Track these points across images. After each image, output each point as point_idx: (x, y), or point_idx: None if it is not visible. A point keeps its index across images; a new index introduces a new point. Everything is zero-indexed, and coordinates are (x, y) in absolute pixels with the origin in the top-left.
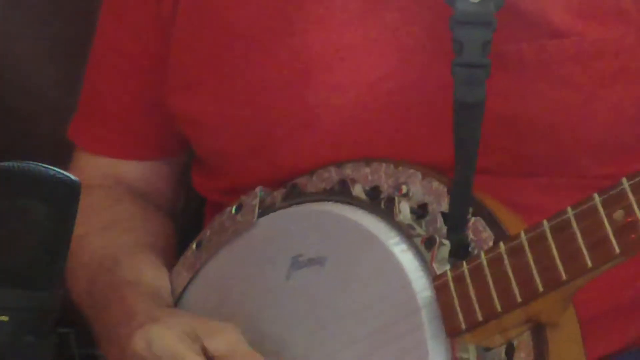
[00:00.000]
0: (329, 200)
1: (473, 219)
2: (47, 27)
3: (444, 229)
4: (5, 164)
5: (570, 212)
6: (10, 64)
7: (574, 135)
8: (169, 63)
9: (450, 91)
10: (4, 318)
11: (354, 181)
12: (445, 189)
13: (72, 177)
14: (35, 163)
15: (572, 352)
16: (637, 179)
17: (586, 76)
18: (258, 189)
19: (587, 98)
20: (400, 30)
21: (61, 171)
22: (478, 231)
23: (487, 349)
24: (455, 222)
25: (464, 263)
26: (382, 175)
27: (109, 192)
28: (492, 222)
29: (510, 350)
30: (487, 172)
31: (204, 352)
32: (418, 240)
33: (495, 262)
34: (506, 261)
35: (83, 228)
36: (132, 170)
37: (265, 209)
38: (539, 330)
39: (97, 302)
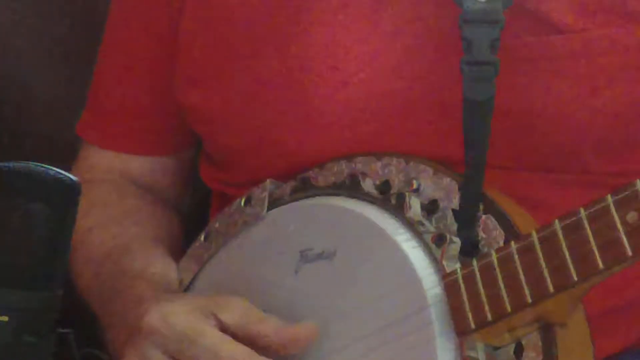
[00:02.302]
0: (338, 195)
1: (484, 216)
2: (47, 26)
3: (454, 226)
4: (5, 164)
5: (582, 212)
6: (10, 64)
7: (579, 130)
8: (177, 59)
9: (456, 88)
10: (4, 318)
11: (364, 175)
12: (457, 186)
13: (72, 177)
14: (35, 163)
15: (581, 352)
16: None
17: (592, 71)
18: (267, 182)
19: (593, 93)
20: (406, 27)
21: (61, 171)
22: (488, 229)
23: (496, 348)
24: (465, 219)
25: (474, 261)
26: (393, 170)
27: (117, 186)
28: (503, 220)
29: (519, 349)
30: (494, 166)
31: (219, 326)
32: (428, 237)
33: (506, 261)
34: (517, 260)
35: (91, 220)
36: (140, 165)
37: (274, 202)
38: (547, 330)
39: (105, 292)
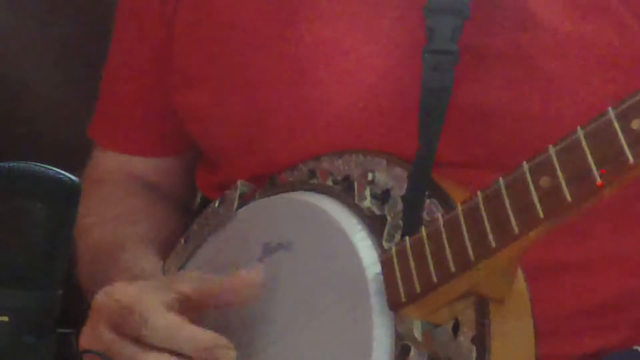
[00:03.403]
0: (299, 190)
1: (428, 200)
2: (47, 27)
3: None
4: (5, 164)
5: (501, 180)
6: (11, 65)
7: (550, 129)
8: (171, 59)
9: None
10: (4, 318)
11: (328, 172)
12: (406, 174)
13: (72, 177)
14: (35, 163)
15: (518, 327)
16: (562, 145)
17: (561, 69)
18: (238, 183)
19: (564, 91)
20: (398, 29)
21: (61, 171)
22: (432, 212)
23: (436, 326)
24: (411, 204)
25: (407, 238)
26: (352, 165)
27: (121, 187)
28: (446, 203)
29: (456, 326)
30: (463, 165)
31: (180, 300)
32: (372, 221)
33: (434, 235)
34: (443, 233)
35: (94, 218)
36: (145, 165)
37: (246, 202)
38: (482, 305)
39: (98, 283)
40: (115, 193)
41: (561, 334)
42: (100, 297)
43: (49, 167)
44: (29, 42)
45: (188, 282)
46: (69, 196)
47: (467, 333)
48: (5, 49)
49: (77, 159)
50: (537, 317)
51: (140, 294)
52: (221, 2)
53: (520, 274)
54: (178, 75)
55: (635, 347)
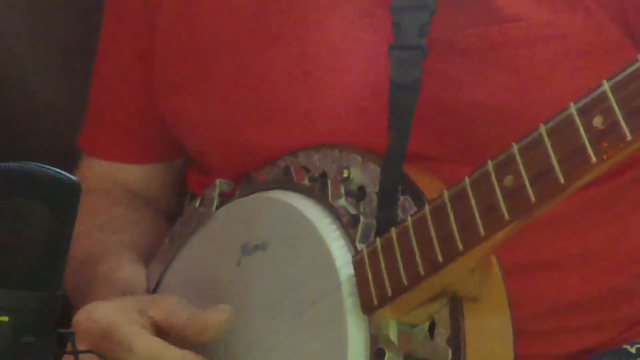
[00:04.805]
0: (275, 189)
1: (402, 197)
2: (47, 28)
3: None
4: (5, 164)
5: (467, 180)
6: (11, 65)
7: (523, 121)
8: (155, 65)
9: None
10: (4, 318)
11: (304, 169)
12: (379, 170)
13: (72, 177)
14: (35, 163)
15: (495, 325)
16: (525, 142)
17: (533, 60)
18: (217, 181)
19: (535, 82)
20: (375, 28)
21: (61, 171)
22: (406, 209)
23: (413, 326)
24: (385, 201)
25: (377, 239)
26: (328, 161)
27: (107, 195)
28: (419, 199)
29: (432, 326)
30: (438, 158)
31: (151, 322)
32: (346, 220)
33: (403, 235)
34: (412, 234)
35: (79, 228)
36: (131, 173)
37: (225, 201)
38: (455, 304)
39: (81, 296)
40: (100, 203)
41: (542, 334)
42: (81, 319)
43: (49, 167)
44: (29, 42)
45: (161, 307)
46: (69, 196)
47: (442, 333)
48: (5, 49)
49: (77, 159)
50: (517, 317)
51: (120, 316)
52: (202, 6)
53: (496, 269)
54: (162, 80)
55: (624, 346)
